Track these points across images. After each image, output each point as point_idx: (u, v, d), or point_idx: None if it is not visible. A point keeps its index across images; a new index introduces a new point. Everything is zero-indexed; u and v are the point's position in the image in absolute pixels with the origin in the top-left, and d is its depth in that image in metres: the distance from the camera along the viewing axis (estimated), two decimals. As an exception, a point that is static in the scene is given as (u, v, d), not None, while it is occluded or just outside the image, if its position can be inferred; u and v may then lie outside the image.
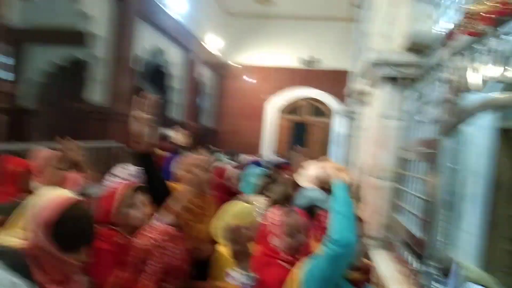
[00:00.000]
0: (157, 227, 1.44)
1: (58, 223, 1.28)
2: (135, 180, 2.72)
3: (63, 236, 1.28)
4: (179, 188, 2.40)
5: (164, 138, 8.42)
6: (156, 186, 2.16)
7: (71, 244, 1.30)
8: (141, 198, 2.04)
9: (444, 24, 2.83)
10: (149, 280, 1.33)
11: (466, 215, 4.85)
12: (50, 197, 1.37)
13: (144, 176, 2.16)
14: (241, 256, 1.61)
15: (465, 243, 4.81)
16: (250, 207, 2.25)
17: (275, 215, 1.97)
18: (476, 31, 1.79)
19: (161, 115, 9.88)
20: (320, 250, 1.61)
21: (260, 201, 2.63)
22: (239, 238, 1.57)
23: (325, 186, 3.61)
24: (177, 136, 5.88)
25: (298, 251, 1.91)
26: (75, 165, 3.46)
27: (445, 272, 3.16)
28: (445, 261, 3.15)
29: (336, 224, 1.58)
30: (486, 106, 1.71)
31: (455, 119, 2.01)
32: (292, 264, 1.82)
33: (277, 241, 1.88)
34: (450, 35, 2.17)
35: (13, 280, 0.98)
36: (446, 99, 2.14)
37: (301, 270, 1.64)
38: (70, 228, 1.29)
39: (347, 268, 1.60)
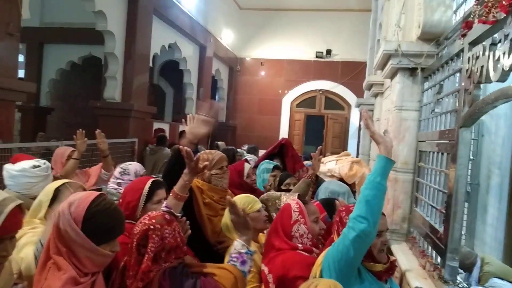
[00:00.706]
0: (154, 213, 1.54)
1: (90, 216, 1.34)
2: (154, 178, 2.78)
3: (96, 229, 1.34)
4: (196, 182, 2.44)
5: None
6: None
7: (105, 236, 1.37)
8: (164, 194, 2.09)
9: (461, 12, 2.77)
10: (150, 261, 1.44)
11: (490, 208, 4.76)
12: (78, 193, 1.44)
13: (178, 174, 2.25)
14: (242, 229, 1.70)
15: (489, 236, 4.73)
16: (253, 197, 2.29)
17: (297, 205, 2.02)
18: (493, 19, 1.75)
19: (177, 112, 9.97)
20: (342, 234, 1.64)
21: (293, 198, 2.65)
22: (238, 210, 1.68)
23: (344, 179, 3.62)
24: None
25: (320, 238, 2.02)
26: (103, 157, 3.57)
27: (468, 266, 3.12)
28: (468, 255, 3.11)
29: (360, 205, 1.59)
30: (507, 96, 1.67)
31: (474, 110, 1.97)
32: (309, 252, 1.89)
33: (303, 228, 1.95)
34: (466, 24, 2.12)
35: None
36: (465, 89, 2.09)
37: (323, 257, 1.69)
38: (100, 222, 1.36)
39: (363, 254, 1.62)
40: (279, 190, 3.24)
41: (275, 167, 3.94)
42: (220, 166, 2.53)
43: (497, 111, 4.78)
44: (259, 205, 2.24)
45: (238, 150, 7.43)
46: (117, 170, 2.84)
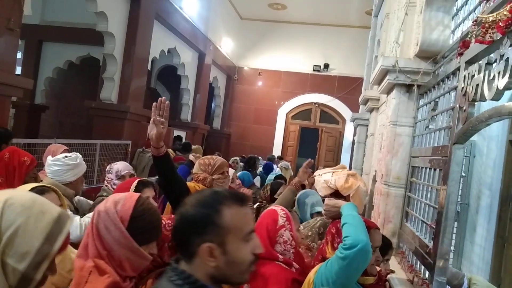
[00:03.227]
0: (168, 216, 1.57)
1: (137, 215, 1.33)
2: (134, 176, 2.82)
3: (141, 228, 1.32)
4: (196, 187, 2.44)
5: (177, 139, 8.52)
6: (175, 186, 2.21)
7: (147, 236, 1.35)
8: (152, 193, 2.12)
9: (458, 32, 2.83)
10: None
11: (479, 228, 4.80)
12: (119, 193, 1.43)
13: (164, 177, 2.22)
14: None
15: (477, 256, 4.76)
16: None
17: (284, 211, 2.01)
18: (490, 39, 1.79)
19: (173, 117, 9.97)
20: (334, 256, 1.62)
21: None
22: None
23: (339, 192, 3.63)
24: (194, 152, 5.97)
25: (299, 246, 2.02)
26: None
27: (455, 286, 3.13)
28: (456, 275, 3.12)
29: (346, 231, 1.62)
30: (500, 114, 1.70)
31: (468, 127, 2.00)
32: (289, 265, 1.85)
33: (288, 234, 1.91)
34: (463, 43, 2.16)
35: None
36: (460, 107, 2.13)
37: (315, 274, 1.66)
38: (146, 221, 1.35)
39: (361, 274, 1.61)
40: (272, 199, 3.25)
41: (278, 177, 3.96)
42: (221, 171, 2.54)
43: (490, 133, 4.84)
44: None
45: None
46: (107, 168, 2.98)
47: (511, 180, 4.68)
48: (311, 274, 1.70)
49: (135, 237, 1.30)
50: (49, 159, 2.53)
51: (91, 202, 2.91)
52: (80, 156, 2.60)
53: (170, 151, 6.96)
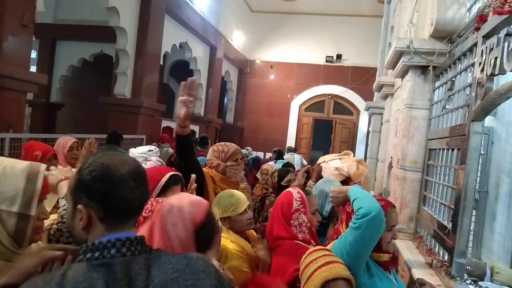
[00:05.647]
0: None
1: (205, 224, 1.30)
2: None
3: (202, 237, 1.29)
4: (210, 173, 2.44)
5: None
6: (192, 168, 2.21)
7: (203, 245, 1.32)
8: (178, 191, 1.91)
9: (474, 10, 2.76)
10: None
11: (498, 216, 4.70)
12: (194, 196, 1.39)
13: (183, 158, 2.23)
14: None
15: (497, 245, 4.66)
16: (238, 197, 2.07)
17: (299, 194, 2.03)
18: (509, 9, 1.73)
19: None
20: (348, 228, 1.62)
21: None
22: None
23: (346, 177, 3.59)
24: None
25: (313, 228, 2.05)
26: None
27: (478, 277, 3.05)
28: (478, 266, 3.04)
29: (358, 204, 1.62)
30: (520, 86, 1.65)
31: (487, 102, 1.94)
32: (307, 243, 1.90)
33: (303, 217, 1.96)
34: (480, 17, 2.10)
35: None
36: (478, 82, 2.07)
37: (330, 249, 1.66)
38: (208, 231, 1.33)
39: (375, 244, 1.61)
40: (279, 186, 3.22)
41: (285, 165, 3.90)
42: (235, 159, 2.53)
43: (508, 118, 4.72)
44: (243, 207, 2.04)
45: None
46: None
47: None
48: None
49: (198, 242, 1.27)
50: (133, 151, 2.97)
51: None
52: (158, 150, 3.05)
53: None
